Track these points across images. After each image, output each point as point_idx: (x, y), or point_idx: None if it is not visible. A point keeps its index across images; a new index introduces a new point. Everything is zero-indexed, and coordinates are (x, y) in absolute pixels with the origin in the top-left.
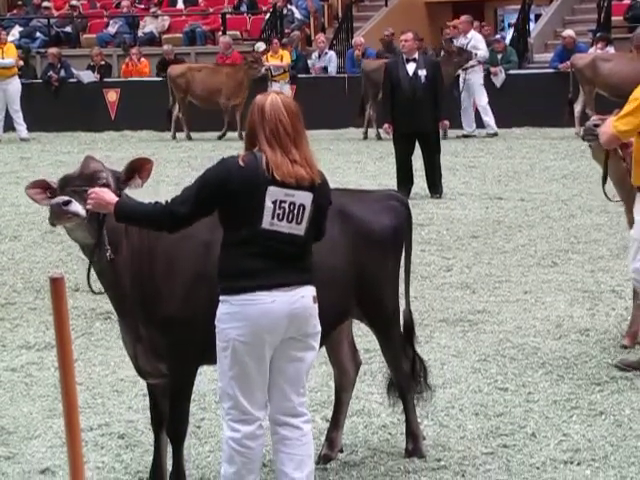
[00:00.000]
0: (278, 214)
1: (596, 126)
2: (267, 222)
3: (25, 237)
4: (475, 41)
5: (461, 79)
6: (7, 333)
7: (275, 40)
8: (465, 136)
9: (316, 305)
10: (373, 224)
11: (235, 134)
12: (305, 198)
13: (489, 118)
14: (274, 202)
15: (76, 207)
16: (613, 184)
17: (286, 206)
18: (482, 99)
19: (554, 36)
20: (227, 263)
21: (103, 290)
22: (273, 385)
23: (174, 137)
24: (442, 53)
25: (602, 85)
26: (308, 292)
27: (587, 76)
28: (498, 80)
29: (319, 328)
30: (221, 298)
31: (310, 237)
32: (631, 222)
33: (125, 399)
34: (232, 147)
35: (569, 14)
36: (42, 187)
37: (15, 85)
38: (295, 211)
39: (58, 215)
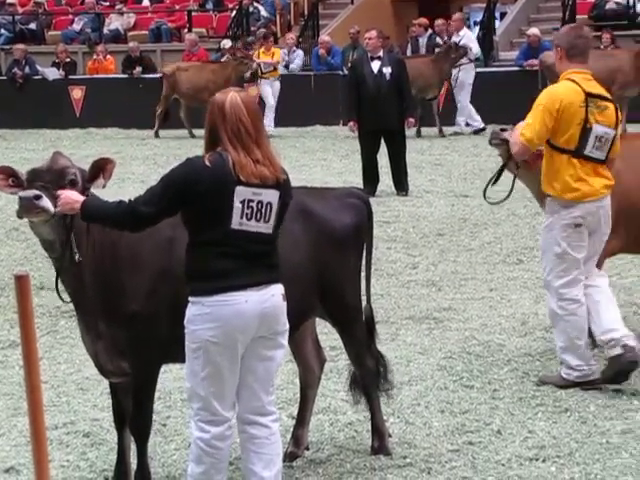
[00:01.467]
0: (247, 213)
1: (503, 130)
2: (236, 222)
3: None
4: (467, 39)
5: (453, 76)
6: None
7: (271, 38)
8: (476, 132)
9: (285, 303)
10: (334, 222)
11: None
12: (272, 196)
13: (463, 119)
14: (242, 202)
15: (46, 202)
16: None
17: (254, 205)
18: (466, 98)
19: (519, 34)
20: (198, 264)
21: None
22: (242, 384)
23: (192, 135)
24: (437, 50)
25: None
26: (278, 290)
27: (557, 73)
28: None
29: (288, 326)
30: (191, 299)
31: (277, 234)
32: None
33: (90, 397)
34: (198, 145)
35: (534, 12)
36: (6, 173)
37: None
38: (263, 210)
39: (28, 208)
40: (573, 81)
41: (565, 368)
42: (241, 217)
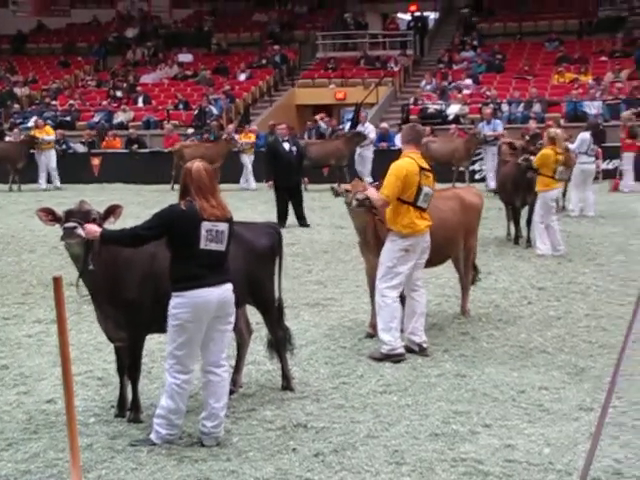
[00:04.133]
0: (209, 238)
1: (341, 183)
2: (203, 244)
3: (38, 250)
4: (369, 129)
5: (357, 153)
6: (26, 312)
7: (246, 126)
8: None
9: (234, 295)
10: (257, 244)
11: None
12: (224, 227)
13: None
14: (207, 231)
15: (80, 231)
16: (358, 233)
17: (213, 233)
18: (369, 167)
19: (376, 126)
20: (179, 271)
21: (86, 290)
22: (205, 347)
23: (172, 188)
24: (344, 135)
25: (431, 157)
26: (229, 287)
27: (422, 151)
28: None
29: (235, 309)
30: (175, 294)
31: (228, 251)
32: (372, 268)
33: (102, 354)
34: (173, 194)
35: (385, 114)
36: (47, 212)
37: (53, 154)
38: (219, 236)
39: (69, 234)
40: (412, 158)
41: (382, 344)
42: (205, 240)
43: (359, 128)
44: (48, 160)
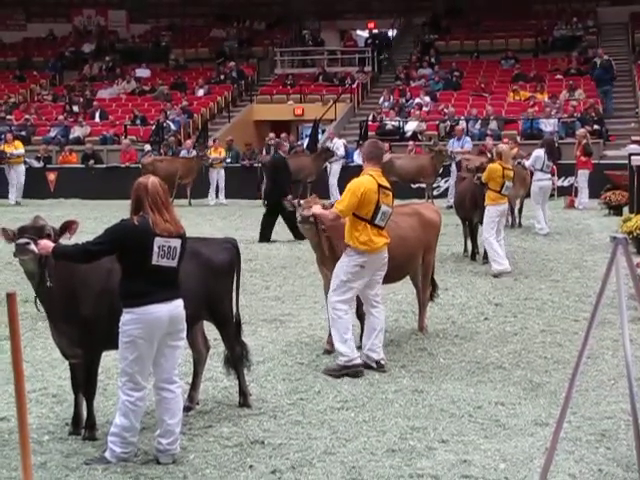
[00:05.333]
0: (161, 254)
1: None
2: (155, 260)
3: None
4: (337, 145)
5: (328, 168)
6: None
7: (217, 140)
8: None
9: (184, 311)
10: (214, 259)
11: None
12: (176, 242)
13: (337, 193)
14: (159, 247)
15: (33, 247)
16: (314, 249)
17: (165, 249)
18: (335, 181)
19: None
20: (130, 287)
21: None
22: (156, 364)
23: None
24: (303, 152)
25: (396, 174)
26: (180, 303)
27: (387, 167)
28: None
29: (185, 326)
30: (125, 310)
31: (179, 267)
32: (329, 284)
33: (57, 371)
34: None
35: (342, 130)
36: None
37: (22, 168)
38: (171, 252)
39: (22, 250)
40: (371, 176)
41: (339, 356)
42: (157, 257)
43: (328, 144)
44: (18, 175)
